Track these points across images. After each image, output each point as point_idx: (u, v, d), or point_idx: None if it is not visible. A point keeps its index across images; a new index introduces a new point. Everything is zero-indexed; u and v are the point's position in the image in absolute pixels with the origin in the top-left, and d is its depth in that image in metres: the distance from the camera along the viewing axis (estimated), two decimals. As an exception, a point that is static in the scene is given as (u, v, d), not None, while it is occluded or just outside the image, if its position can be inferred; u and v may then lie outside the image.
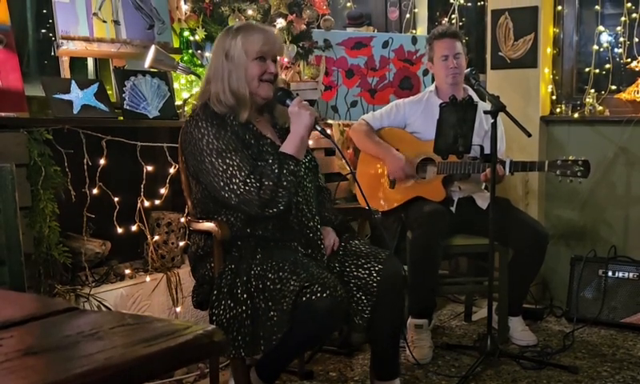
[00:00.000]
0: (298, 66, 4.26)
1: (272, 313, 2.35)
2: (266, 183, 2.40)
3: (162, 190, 3.45)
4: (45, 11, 3.69)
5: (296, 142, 2.50)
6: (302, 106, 2.52)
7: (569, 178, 3.31)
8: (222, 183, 2.45)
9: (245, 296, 2.40)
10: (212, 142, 2.47)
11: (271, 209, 2.43)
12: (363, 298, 2.56)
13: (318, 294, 2.27)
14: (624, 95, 4.19)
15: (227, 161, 2.43)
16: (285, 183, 2.42)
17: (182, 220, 3.51)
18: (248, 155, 2.47)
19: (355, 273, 2.60)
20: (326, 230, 2.70)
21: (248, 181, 2.40)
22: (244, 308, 2.40)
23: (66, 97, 3.17)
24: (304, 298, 2.28)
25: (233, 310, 2.41)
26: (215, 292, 2.48)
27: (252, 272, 2.43)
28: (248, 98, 2.55)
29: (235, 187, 2.42)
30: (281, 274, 2.37)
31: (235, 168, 2.42)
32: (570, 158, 3.32)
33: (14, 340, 1.12)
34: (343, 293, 2.38)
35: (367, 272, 2.58)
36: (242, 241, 2.55)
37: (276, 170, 2.41)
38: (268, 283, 2.38)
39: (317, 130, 2.56)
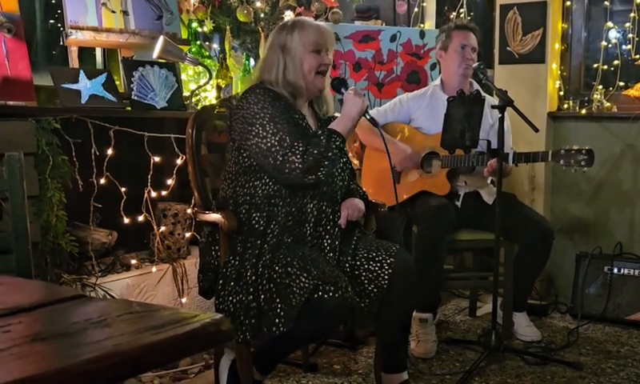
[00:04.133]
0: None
1: (275, 305, 2.36)
2: (311, 150, 2.45)
3: (169, 181, 3.46)
4: (53, 1, 3.70)
5: (347, 122, 2.57)
6: (357, 93, 2.60)
7: (573, 167, 3.28)
8: (269, 144, 2.49)
9: (253, 279, 2.44)
10: (267, 107, 2.54)
11: (311, 175, 2.47)
12: (375, 290, 2.57)
13: (330, 293, 2.29)
14: (632, 92, 4.17)
15: (278, 126, 2.50)
16: (330, 154, 2.47)
17: (189, 211, 3.52)
18: (299, 129, 2.56)
19: (366, 266, 2.61)
20: (347, 200, 2.75)
21: (296, 144, 2.46)
22: (251, 289, 2.43)
23: (74, 86, 3.19)
24: (315, 296, 2.29)
25: (239, 295, 2.44)
26: (222, 279, 2.51)
27: (260, 261, 2.46)
28: (304, 87, 2.64)
29: (281, 149, 2.46)
30: (289, 268, 2.38)
31: (285, 133, 2.48)
32: (574, 147, 3.29)
33: (23, 326, 1.13)
34: (352, 293, 2.41)
35: (379, 265, 2.60)
36: (251, 230, 2.56)
37: (324, 141, 2.48)
38: (275, 276, 2.39)
39: (366, 117, 2.63)
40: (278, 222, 2.56)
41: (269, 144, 2.48)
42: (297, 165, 2.44)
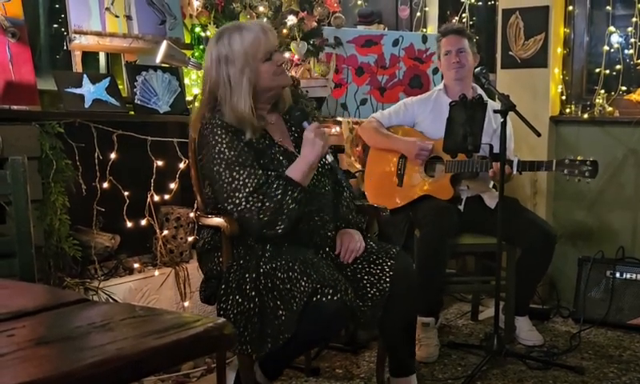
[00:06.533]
0: (309, 63, 4.27)
1: (280, 312, 2.35)
2: (268, 204, 2.39)
3: (172, 185, 3.47)
4: (57, 6, 3.72)
5: (304, 168, 2.47)
6: (318, 134, 2.48)
7: (577, 177, 3.31)
8: (225, 194, 2.45)
9: (253, 293, 2.41)
10: (223, 151, 2.45)
11: (269, 231, 2.43)
12: (377, 294, 2.55)
13: (329, 296, 2.28)
14: (634, 96, 4.17)
15: (234, 174, 2.42)
16: (286, 210, 2.40)
17: (191, 215, 3.52)
18: (256, 171, 2.43)
19: (367, 269, 2.60)
20: (348, 233, 2.68)
21: (250, 198, 2.39)
22: (252, 305, 2.40)
23: (77, 91, 3.20)
24: (314, 299, 2.28)
25: (240, 306, 2.42)
26: (223, 286, 2.48)
27: (261, 269, 2.44)
28: (248, 118, 2.48)
29: (238, 202, 2.41)
30: (290, 273, 2.37)
31: (240, 183, 2.41)
32: (578, 157, 3.32)
33: (27, 330, 1.13)
34: (353, 296, 2.40)
35: (380, 268, 2.59)
36: (248, 243, 2.54)
37: (279, 196, 2.40)
38: (277, 282, 2.39)
39: (327, 160, 2.54)
40: (270, 241, 2.52)
41: (225, 195, 2.44)
42: (254, 222, 2.40)
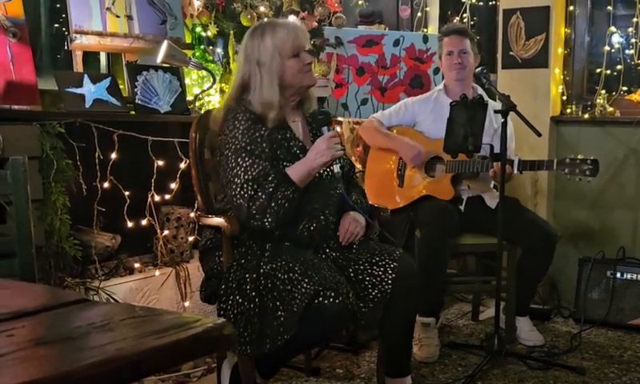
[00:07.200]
0: (309, 63, 4.26)
1: (280, 313, 2.35)
2: (259, 194, 2.41)
3: (173, 185, 3.47)
4: (58, 5, 3.72)
5: (303, 171, 2.49)
6: (330, 145, 2.49)
7: (577, 176, 3.30)
8: (226, 180, 2.51)
9: (253, 293, 2.41)
10: (237, 137, 2.50)
11: (256, 222, 2.45)
12: (379, 295, 2.56)
13: (331, 299, 2.28)
14: (635, 96, 4.17)
15: (239, 160, 2.46)
16: (274, 205, 2.41)
17: (192, 215, 3.52)
18: (262, 162, 2.46)
19: (370, 270, 2.60)
20: (351, 216, 2.68)
21: (245, 186, 2.43)
22: (252, 305, 2.40)
23: (78, 91, 3.20)
24: (315, 301, 2.28)
25: (241, 306, 2.42)
26: (223, 286, 2.49)
27: (261, 269, 2.44)
28: (274, 105, 2.55)
29: (234, 186, 2.46)
30: (291, 274, 2.37)
31: (241, 170, 2.45)
32: (579, 156, 3.31)
33: (26, 330, 1.13)
34: (354, 299, 2.40)
35: (382, 269, 2.59)
36: (252, 236, 2.55)
37: (270, 189, 2.42)
38: (278, 283, 2.38)
39: (333, 170, 2.55)
40: (270, 241, 2.53)
41: (229, 177, 2.49)
42: (244, 209, 2.44)
